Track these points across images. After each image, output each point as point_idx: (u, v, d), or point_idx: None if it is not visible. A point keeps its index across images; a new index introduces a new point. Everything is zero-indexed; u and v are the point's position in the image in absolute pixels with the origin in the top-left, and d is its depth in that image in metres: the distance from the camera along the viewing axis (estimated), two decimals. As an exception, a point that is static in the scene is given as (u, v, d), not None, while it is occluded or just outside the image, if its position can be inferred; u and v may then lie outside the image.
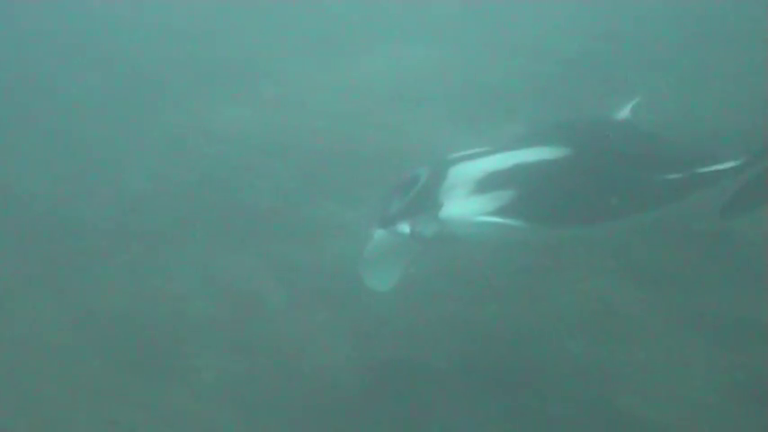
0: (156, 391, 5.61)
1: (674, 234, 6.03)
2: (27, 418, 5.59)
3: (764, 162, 5.08)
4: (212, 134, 8.30)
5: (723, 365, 5.22)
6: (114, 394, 5.64)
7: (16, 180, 7.87)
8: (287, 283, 6.23)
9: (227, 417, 5.41)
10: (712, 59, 8.36)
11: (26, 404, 5.68)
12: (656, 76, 8.17)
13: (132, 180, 7.71)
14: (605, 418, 5.08)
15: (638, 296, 5.76)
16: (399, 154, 7.12)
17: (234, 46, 9.94)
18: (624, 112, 6.06)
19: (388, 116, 8.11)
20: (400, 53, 9.50)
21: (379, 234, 5.38)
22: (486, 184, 5.16)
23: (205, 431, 5.40)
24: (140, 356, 5.86)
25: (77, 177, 7.84)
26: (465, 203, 5.12)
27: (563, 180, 5.18)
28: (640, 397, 5.13)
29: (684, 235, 6.01)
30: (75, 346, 6.03)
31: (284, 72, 9.37)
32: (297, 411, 5.39)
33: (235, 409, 5.43)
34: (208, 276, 6.48)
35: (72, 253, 6.88)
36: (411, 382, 5.45)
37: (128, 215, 7.28)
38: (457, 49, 9.42)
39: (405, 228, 5.20)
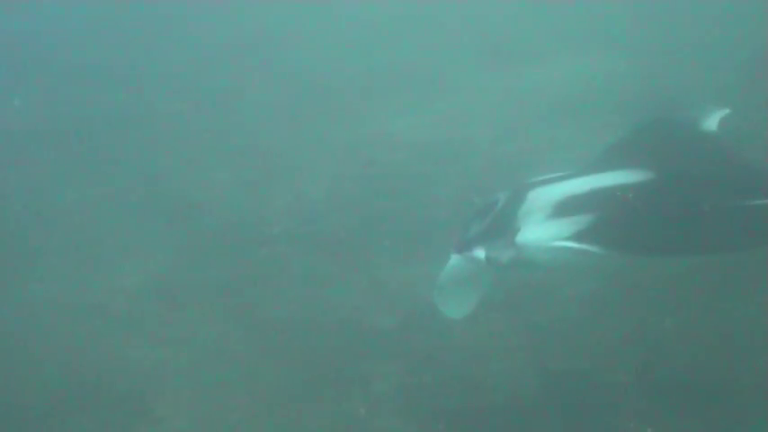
0: (331, 400, 5.68)
1: None
2: (205, 424, 5.73)
3: None
4: (389, 143, 8.36)
5: None
6: (290, 401, 5.73)
7: (197, 188, 8.11)
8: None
9: (401, 426, 5.42)
10: None
11: (204, 410, 5.83)
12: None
13: (310, 189, 7.84)
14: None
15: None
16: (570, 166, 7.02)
17: (409, 57, 9.99)
18: (711, 124, 5.78)
19: (559, 127, 7.99)
20: (572, 62, 9.36)
21: (454, 259, 5.33)
22: (564, 208, 5.07)
23: (379, 440, 5.45)
24: (315, 364, 5.95)
25: (256, 186, 8.03)
26: (541, 228, 5.04)
27: (642, 206, 5.00)
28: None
29: None
30: (251, 354, 6.16)
31: (458, 82, 9.37)
32: (471, 422, 5.36)
33: (408, 419, 5.45)
34: (383, 285, 6.51)
35: (250, 260, 7.04)
36: (588, 394, 5.35)
37: (305, 224, 7.41)
38: (630, 58, 9.21)
39: (480, 253, 5.15)
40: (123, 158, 8.65)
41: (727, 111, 5.90)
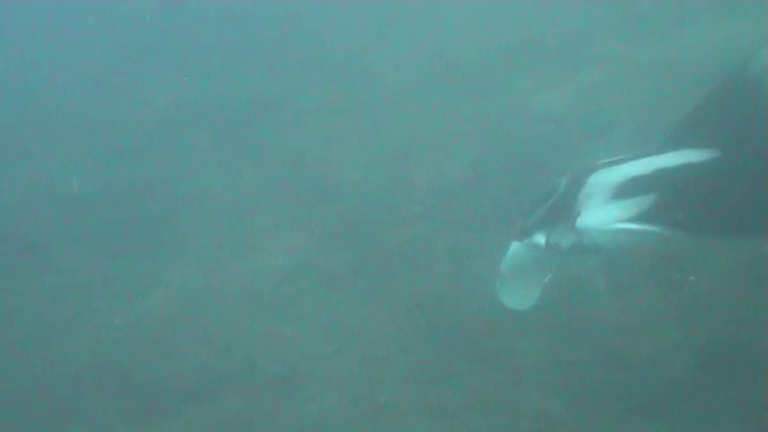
0: (476, 376, 5.71)
1: None
2: (353, 403, 5.82)
3: None
4: (529, 117, 8.26)
5: None
6: (436, 379, 5.78)
7: (337, 168, 8.15)
8: (610, 266, 6.10)
9: (547, 402, 5.42)
10: None
11: (352, 389, 5.92)
12: None
13: (451, 165, 7.81)
14: None
15: None
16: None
17: (543, 29, 9.83)
18: None
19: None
20: (719, 27, 9.04)
21: (515, 246, 5.23)
22: (626, 190, 4.90)
23: (528, 416, 5.45)
24: (460, 341, 5.98)
25: (397, 164, 8.03)
26: (602, 211, 4.88)
27: (709, 184, 4.79)
28: None
29: None
30: (397, 332, 6.22)
31: (597, 53, 9.16)
32: (620, 397, 5.31)
33: (554, 395, 5.43)
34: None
35: (394, 239, 7.07)
36: (742, 368, 5.22)
37: (447, 201, 7.40)
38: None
39: (540, 239, 5.03)
40: (266, 141, 8.76)
41: None
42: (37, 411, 6.38)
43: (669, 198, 4.78)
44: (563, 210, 5.05)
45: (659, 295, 5.88)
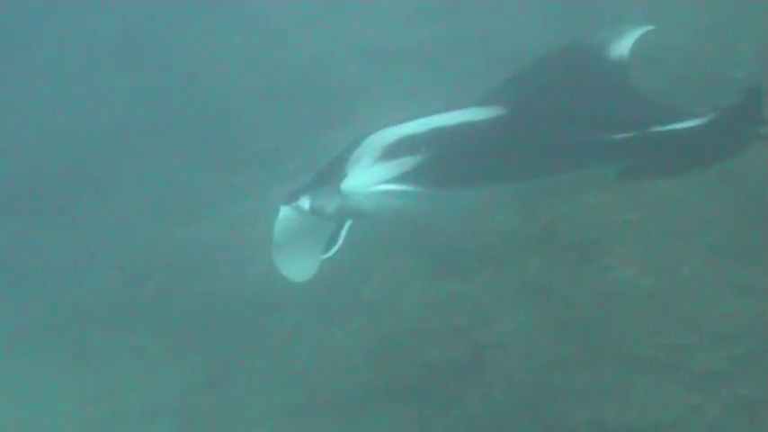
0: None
1: None
2: (655, 276, 5.85)
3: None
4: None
5: None
6: (747, 256, 5.67)
7: (662, 32, 7.89)
8: None
9: None
10: None
11: (654, 261, 5.90)
12: None
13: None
14: None
15: None
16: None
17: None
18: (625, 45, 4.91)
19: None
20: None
21: (283, 211, 4.94)
22: (395, 150, 4.61)
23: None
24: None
25: (724, 31, 7.76)
26: (367, 173, 4.61)
27: (480, 141, 4.54)
28: None
29: None
30: (705, 205, 6.09)
31: None
32: None
33: None
34: None
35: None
36: None
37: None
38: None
39: (305, 203, 4.81)
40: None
41: (649, 28, 5.03)
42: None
43: (436, 157, 4.57)
44: (331, 172, 4.86)
45: None
